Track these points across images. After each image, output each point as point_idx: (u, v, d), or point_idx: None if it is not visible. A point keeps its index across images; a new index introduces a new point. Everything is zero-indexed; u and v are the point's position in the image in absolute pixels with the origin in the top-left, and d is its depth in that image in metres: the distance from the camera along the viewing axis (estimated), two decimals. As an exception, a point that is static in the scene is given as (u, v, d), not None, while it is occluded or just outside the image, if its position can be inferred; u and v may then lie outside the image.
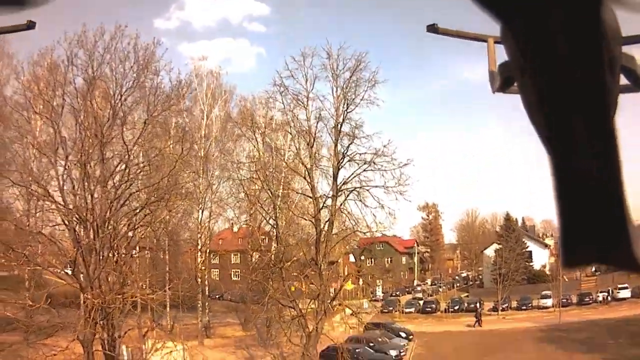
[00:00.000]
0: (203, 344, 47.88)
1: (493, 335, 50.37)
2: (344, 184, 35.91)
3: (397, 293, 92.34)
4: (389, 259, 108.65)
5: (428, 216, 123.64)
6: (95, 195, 27.04)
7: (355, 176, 35.67)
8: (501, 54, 1.19)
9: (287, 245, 38.34)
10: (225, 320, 60.71)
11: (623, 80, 1.29)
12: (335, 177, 35.93)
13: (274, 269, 37.69)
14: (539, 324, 52.13)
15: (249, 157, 51.73)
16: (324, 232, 35.51)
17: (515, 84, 1.15)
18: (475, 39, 3.55)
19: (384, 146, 35.20)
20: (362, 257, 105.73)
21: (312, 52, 37.24)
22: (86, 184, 26.84)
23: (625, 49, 1.22)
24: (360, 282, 67.46)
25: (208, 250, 57.71)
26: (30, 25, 4.04)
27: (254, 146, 46.57)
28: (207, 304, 53.59)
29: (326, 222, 35.81)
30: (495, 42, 3.18)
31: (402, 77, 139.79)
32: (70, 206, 26.55)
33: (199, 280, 50.25)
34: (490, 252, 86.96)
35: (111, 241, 26.88)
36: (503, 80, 1.42)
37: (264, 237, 53.17)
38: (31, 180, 30.07)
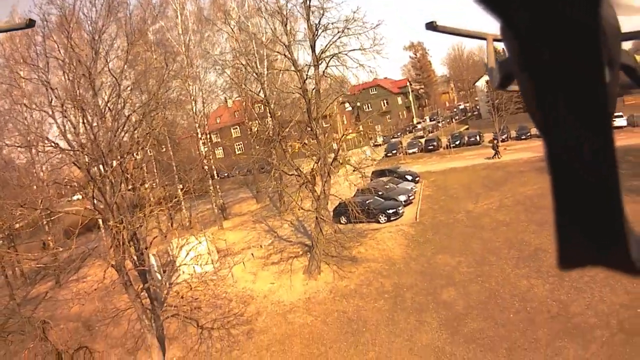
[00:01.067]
0: (222, 227, 49.31)
1: (497, 168, 51.61)
2: (322, 52, 36.58)
3: (399, 134, 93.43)
4: (385, 102, 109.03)
5: (416, 55, 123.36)
6: (95, 125, 27.71)
7: (331, 44, 36.49)
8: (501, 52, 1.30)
9: (281, 119, 39.45)
10: (239, 197, 62.30)
11: (622, 78, 1.28)
12: (313, 48, 36.63)
13: (274, 141, 39.06)
14: (538, 154, 52.74)
15: (229, 45, 52.28)
16: (312, 100, 36.35)
17: (515, 81, 1.17)
18: (475, 36, 3.22)
19: (354, 12, 37.52)
20: (358, 104, 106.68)
21: None
22: (85, 121, 27.37)
23: (625, 45, 1.24)
24: (360, 128, 68.13)
25: (208, 133, 58.23)
26: (30, 24, 3.66)
27: (231, 35, 47.13)
28: (217, 186, 54.40)
29: (313, 89, 36.71)
30: (495, 40, 2.96)
31: None
32: (75, 146, 27.14)
33: (206, 167, 50.94)
34: (481, 83, 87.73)
35: (121, 164, 27.77)
36: (502, 77, 1.42)
37: (259, 104, 53.89)
38: (35, 138, 31.16)
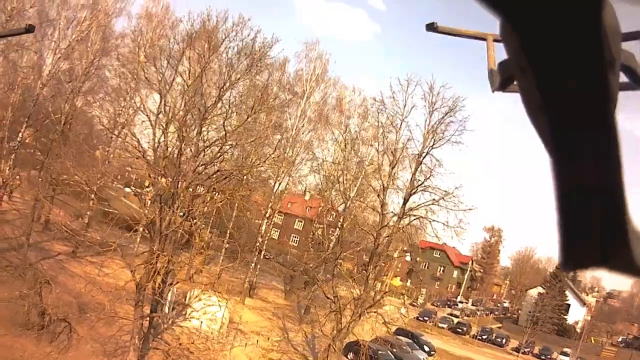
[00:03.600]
0: (244, 302, 50.24)
1: None
2: (411, 209, 38.59)
3: (438, 304, 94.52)
4: (442, 269, 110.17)
5: (490, 239, 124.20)
6: (183, 158, 29.57)
7: (422, 206, 38.50)
8: (500, 53, 1.23)
9: (345, 248, 41.40)
10: (271, 283, 62.74)
11: (622, 78, 1.28)
12: (405, 201, 38.54)
13: (329, 261, 41.42)
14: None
15: (335, 154, 54.98)
16: (380, 246, 38.11)
17: (515, 83, 1.17)
18: (474, 37, 3.59)
19: (456, 188, 37.48)
20: (418, 259, 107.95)
21: (417, 81, 39.53)
22: (179, 150, 29.30)
23: (625, 45, 1.23)
24: (408, 282, 69.04)
25: (274, 212, 58.37)
26: (29, 29, 4.07)
27: (342, 150, 49.49)
28: (257, 265, 55.26)
29: (385, 236, 38.46)
30: (495, 41, 3.21)
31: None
32: (159, 162, 29.06)
33: (258, 244, 52.70)
34: (534, 292, 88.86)
35: (189, 203, 29.67)
36: (503, 79, 1.43)
37: (335, 213, 55.51)
38: (130, 137, 33.20)
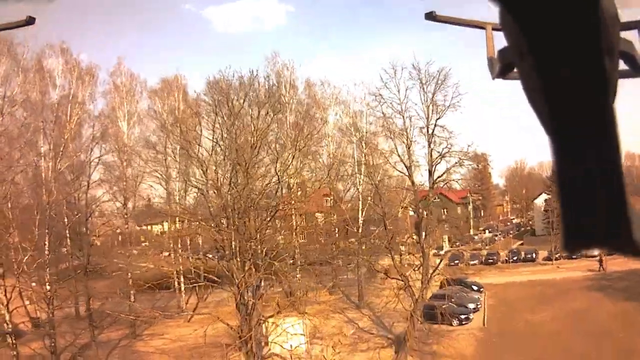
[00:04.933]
0: (304, 311, 50.78)
1: (549, 285, 56.29)
2: (438, 177, 43.12)
3: (458, 244, 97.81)
4: (444, 210, 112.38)
5: (478, 166, 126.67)
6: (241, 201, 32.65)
7: (446, 173, 43.19)
8: (500, 41, 1.17)
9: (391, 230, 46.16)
10: (306, 285, 63.96)
11: (622, 66, 1.34)
12: (431, 173, 42.62)
13: (362, 244, 47.34)
14: (587, 273, 58.98)
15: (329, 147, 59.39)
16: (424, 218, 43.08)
17: (515, 70, 1.20)
18: (474, 25, 3.51)
19: (468, 146, 42.34)
20: (425, 213, 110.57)
21: (402, 66, 43.22)
22: (234, 207, 32.56)
23: (624, 34, 1.30)
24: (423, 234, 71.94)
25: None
26: (30, 21, 3.98)
27: (360, 150, 54.54)
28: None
29: (425, 209, 44.02)
30: (494, 29, 3.17)
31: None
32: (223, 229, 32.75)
33: (295, 255, 54.49)
34: (540, 201, 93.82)
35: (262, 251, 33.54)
36: (502, 67, 1.42)
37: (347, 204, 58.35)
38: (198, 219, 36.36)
